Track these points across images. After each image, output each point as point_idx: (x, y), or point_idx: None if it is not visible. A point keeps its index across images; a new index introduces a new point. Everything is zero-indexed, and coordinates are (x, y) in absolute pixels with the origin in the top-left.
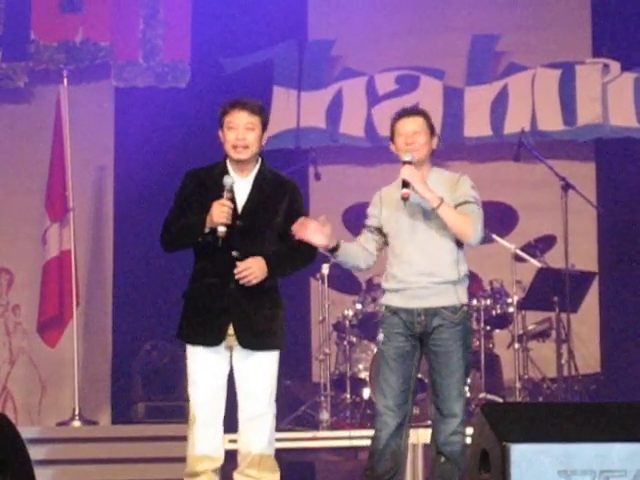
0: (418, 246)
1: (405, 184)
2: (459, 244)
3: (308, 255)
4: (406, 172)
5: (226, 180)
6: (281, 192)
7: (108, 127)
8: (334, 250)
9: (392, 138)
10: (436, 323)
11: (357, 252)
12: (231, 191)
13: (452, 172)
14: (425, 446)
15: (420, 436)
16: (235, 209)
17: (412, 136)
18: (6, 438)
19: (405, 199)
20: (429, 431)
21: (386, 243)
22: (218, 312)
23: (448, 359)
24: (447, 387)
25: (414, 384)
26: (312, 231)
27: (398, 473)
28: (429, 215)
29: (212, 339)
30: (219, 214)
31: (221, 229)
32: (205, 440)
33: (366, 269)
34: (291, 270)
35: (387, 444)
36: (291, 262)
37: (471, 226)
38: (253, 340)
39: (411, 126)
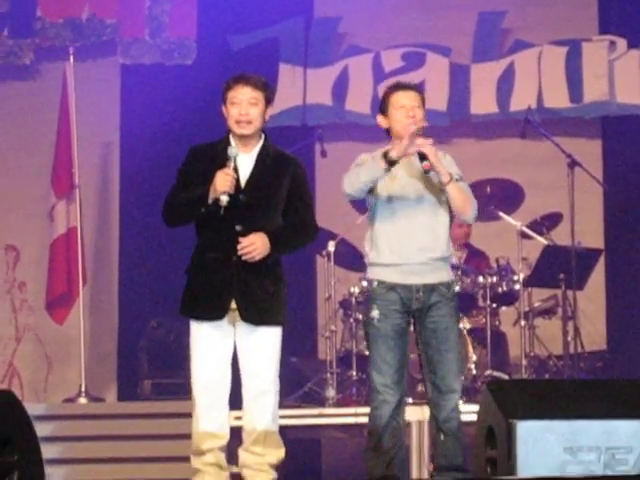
0: (421, 221)
1: (422, 157)
2: (449, 221)
3: (310, 233)
4: (424, 146)
5: (230, 150)
6: (284, 168)
7: (114, 104)
8: (394, 163)
9: (383, 110)
10: (434, 299)
11: None
12: (235, 161)
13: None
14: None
15: (426, 413)
16: (238, 183)
17: (412, 109)
18: (12, 415)
19: (428, 171)
20: None
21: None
22: (220, 286)
23: (447, 335)
24: (446, 363)
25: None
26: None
27: (400, 450)
28: (431, 190)
29: (214, 313)
30: (222, 182)
31: (224, 198)
32: (209, 418)
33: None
34: (293, 247)
35: (389, 422)
36: (294, 239)
37: (471, 204)
38: (255, 314)
39: (410, 99)
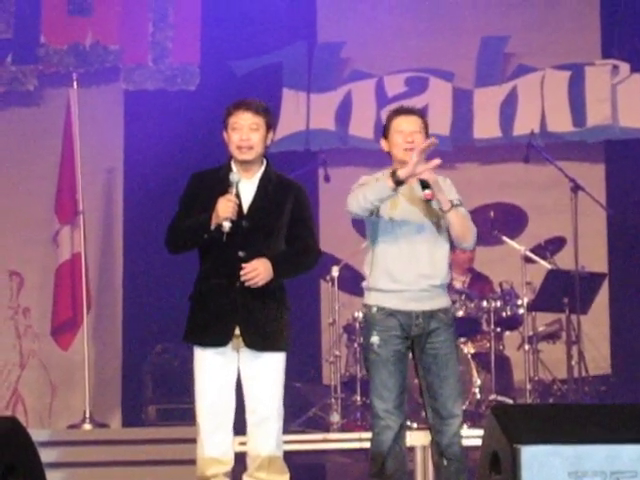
0: (421, 247)
1: (424, 184)
2: (450, 248)
3: (313, 257)
4: (426, 173)
5: (232, 176)
6: (287, 193)
7: (118, 130)
8: (402, 183)
9: (385, 135)
10: (433, 326)
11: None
12: (237, 187)
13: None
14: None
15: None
16: (241, 209)
17: (412, 134)
18: (17, 441)
19: (429, 200)
20: None
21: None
22: (224, 312)
23: (447, 360)
24: (446, 389)
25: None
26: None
27: (404, 475)
28: (432, 217)
29: (218, 339)
30: (224, 208)
31: (226, 224)
32: (214, 443)
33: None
34: (296, 272)
35: (391, 447)
36: (296, 264)
37: (471, 231)
38: (259, 341)
39: (412, 125)
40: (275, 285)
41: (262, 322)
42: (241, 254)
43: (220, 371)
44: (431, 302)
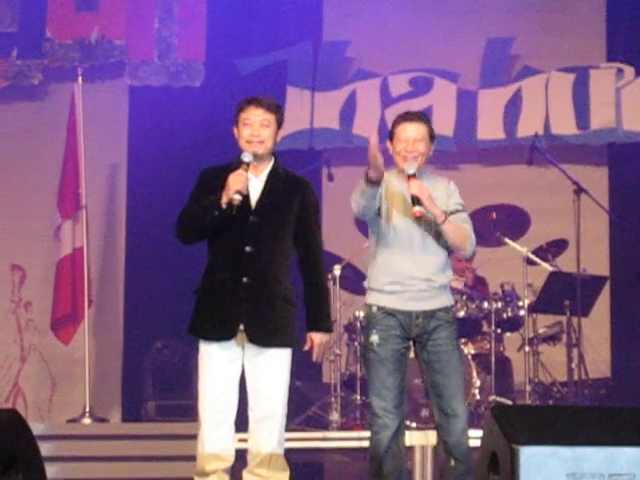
0: (421, 247)
1: (415, 200)
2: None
3: (323, 268)
4: (415, 188)
5: (244, 155)
6: (295, 189)
7: (122, 125)
8: (376, 184)
9: (391, 138)
10: (434, 324)
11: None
12: (248, 165)
13: (438, 176)
14: (434, 448)
15: (430, 438)
16: (249, 205)
17: (413, 143)
18: (17, 434)
19: (419, 218)
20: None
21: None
22: (230, 307)
23: (449, 357)
24: (450, 386)
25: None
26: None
27: (402, 475)
28: (431, 221)
29: (223, 334)
30: (235, 181)
31: (236, 196)
32: (215, 439)
33: (362, 217)
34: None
35: (389, 446)
36: (327, 298)
37: (468, 241)
38: (263, 336)
39: (413, 133)
40: (282, 282)
41: (267, 318)
42: (248, 249)
43: (224, 366)
44: (431, 301)
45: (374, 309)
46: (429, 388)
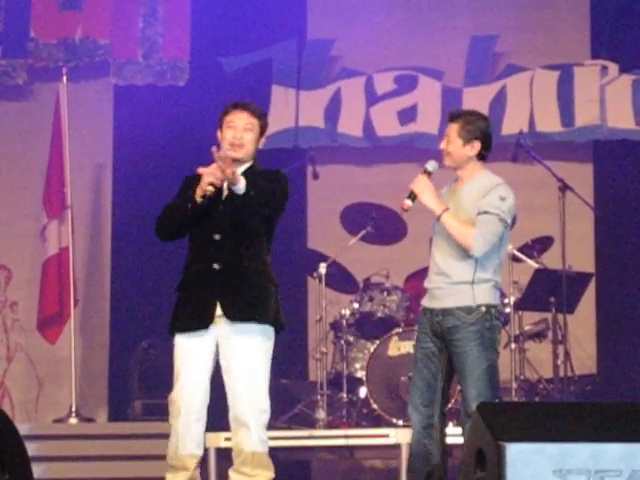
0: (444, 246)
1: (411, 194)
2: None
3: (277, 198)
4: (417, 184)
5: (223, 151)
6: (267, 179)
7: (107, 125)
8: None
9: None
10: (451, 324)
11: None
12: (221, 158)
13: (494, 180)
14: None
15: None
16: (220, 196)
17: (444, 141)
18: (4, 434)
19: (404, 210)
20: None
21: None
22: (204, 294)
23: (464, 359)
24: (466, 387)
25: (443, 385)
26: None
27: (433, 475)
28: (457, 216)
29: (199, 322)
30: (208, 173)
31: (209, 188)
32: (186, 435)
33: None
34: (263, 195)
35: (417, 442)
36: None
37: (471, 238)
38: (242, 311)
39: (446, 130)
40: (256, 264)
41: (245, 294)
42: (217, 237)
43: (197, 357)
44: (449, 299)
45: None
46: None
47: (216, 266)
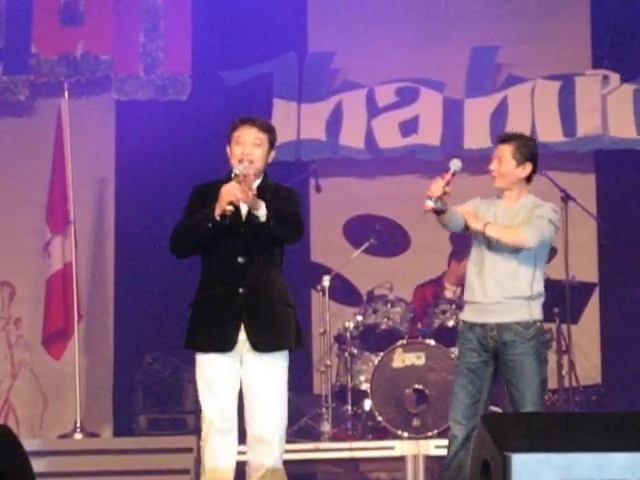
0: (500, 260)
1: (431, 197)
2: (537, 263)
3: (299, 229)
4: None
5: (237, 167)
6: (281, 196)
7: (109, 140)
8: (442, 212)
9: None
10: (509, 338)
11: (459, 218)
12: (239, 177)
13: (542, 201)
14: (425, 458)
15: (421, 447)
16: (240, 217)
17: (494, 162)
18: (8, 450)
19: (426, 212)
20: (428, 442)
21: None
22: (229, 317)
23: (522, 372)
24: (522, 400)
25: (488, 397)
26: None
27: None
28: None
29: (223, 345)
30: (228, 192)
31: (229, 207)
32: (220, 452)
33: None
34: (282, 228)
35: (455, 455)
36: (286, 221)
37: (521, 232)
38: (267, 341)
39: (498, 152)
40: (279, 286)
41: (268, 323)
42: (240, 260)
43: (227, 374)
44: (506, 314)
45: (461, 322)
46: (508, 399)
47: (241, 290)
